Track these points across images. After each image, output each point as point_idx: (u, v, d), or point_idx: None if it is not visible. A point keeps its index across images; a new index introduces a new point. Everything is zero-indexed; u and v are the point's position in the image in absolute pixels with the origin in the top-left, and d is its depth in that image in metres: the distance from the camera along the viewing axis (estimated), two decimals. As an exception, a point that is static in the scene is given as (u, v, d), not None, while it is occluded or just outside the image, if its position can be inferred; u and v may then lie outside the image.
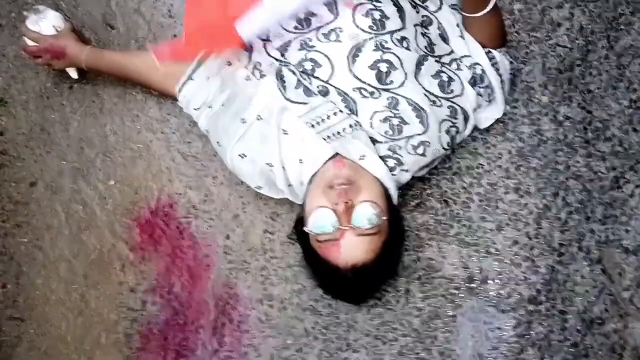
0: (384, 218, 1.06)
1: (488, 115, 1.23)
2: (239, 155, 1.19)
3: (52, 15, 1.39)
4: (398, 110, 1.10)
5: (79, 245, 1.42)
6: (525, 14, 1.27)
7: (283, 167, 1.17)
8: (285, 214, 1.33)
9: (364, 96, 1.10)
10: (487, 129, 1.25)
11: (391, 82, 1.09)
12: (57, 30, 1.38)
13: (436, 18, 1.18)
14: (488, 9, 1.09)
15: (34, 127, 1.48)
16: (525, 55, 1.26)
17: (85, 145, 1.45)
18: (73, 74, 1.42)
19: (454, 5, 1.17)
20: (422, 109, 1.10)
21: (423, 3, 1.18)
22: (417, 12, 1.17)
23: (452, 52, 1.18)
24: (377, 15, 1.10)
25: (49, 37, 1.36)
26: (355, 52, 1.09)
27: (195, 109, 1.26)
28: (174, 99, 1.27)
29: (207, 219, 1.37)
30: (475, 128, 1.23)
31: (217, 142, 1.24)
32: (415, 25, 1.15)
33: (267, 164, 1.18)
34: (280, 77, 1.12)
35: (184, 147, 1.40)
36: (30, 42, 1.37)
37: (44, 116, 1.48)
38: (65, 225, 1.43)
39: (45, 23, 1.38)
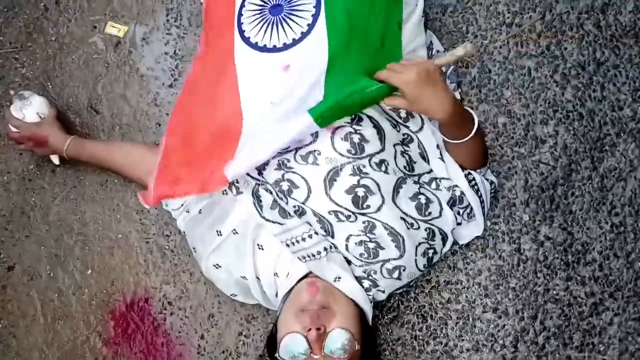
0: (357, 347, 1.04)
1: (468, 233, 1.21)
2: (214, 265, 1.19)
3: (37, 102, 1.39)
4: (374, 234, 1.09)
5: (53, 334, 1.40)
6: (510, 128, 1.26)
7: (258, 278, 1.16)
8: (261, 317, 1.32)
9: (340, 220, 1.09)
10: (467, 244, 1.23)
11: (368, 206, 1.08)
12: (40, 117, 1.37)
13: (417, 137, 1.17)
14: (468, 138, 1.07)
15: (14, 209, 1.47)
16: (507, 170, 1.25)
17: (64, 231, 1.44)
18: (55, 160, 1.41)
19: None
20: (399, 233, 1.09)
21: (405, 122, 1.17)
22: (398, 131, 1.16)
23: (431, 171, 1.17)
24: (356, 139, 1.09)
25: (32, 125, 1.35)
26: (332, 176, 1.07)
27: (173, 209, 1.25)
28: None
29: (182, 317, 1.35)
30: (455, 242, 1.21)
31: (193, 248, 1.23)
32: (395, 145, 1.14)
33: (242, 276, 1.16)
34: (256, 196, 1.11)
35: (162, 240, 1.39)
36: (13, 129, 1.36)
37: (25, 199, 1.47)
38: (40, 313, 1.42)
39: (29, 110, 1.37)
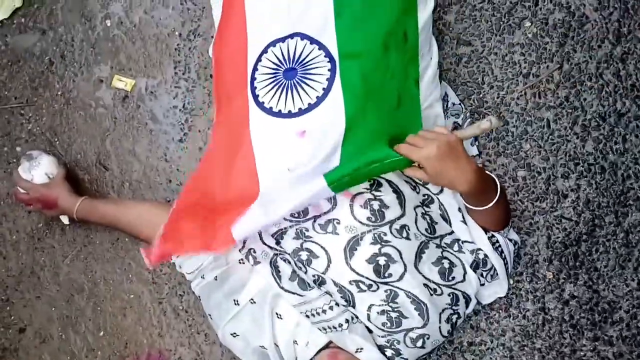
0: None
1: (491, 293, 1.18)
2: (231, 334, 1.16)
3: (46, 162, 1.36)
4: (397, 303, 1.06)
5: (65, 399, 1.38)
6: (530, 182, 1.23)
7: (276, 345, 1.13)
8: (280, 380, 1.28)
9: (362, 289, 1.06)
10: (490, 303, 1.20)
11: (390, 275, 1.05)
12: (49, 178, 1.35)
13: (438, 199, 1.14)
14: (490, 205, 1.05)
15: (24, 269, 1.45)
16: (529, 226, 1.22)
17: (75, 292, 1.41)
18: (65, 220, 1.39)
19: None
20: (422, 301, 1.06)
21: (425, 184, 1.14)
22: (418, 192, 1.13)
23: (453, 232, 1.14)
24: (375, 205, 1.06)
25: (41, 187, 1.33)
26: (352, 246, 1.05)
27: (187, 273, 1.22)
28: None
29: (199, 380, 1.32)
30: (478, 302, 1.18)
31: (209, 315, 1.20)
32: (415, 208, 1.11)
33: (261, 346, 1.13)
34: (274, 266, 1.08)
35: (175, 300, 1.36)
36: (22, 190, 1.34)
37: (34, 258, 1.45)
38: (52, 377, 1.39)
39: (38, 171, 1.35)
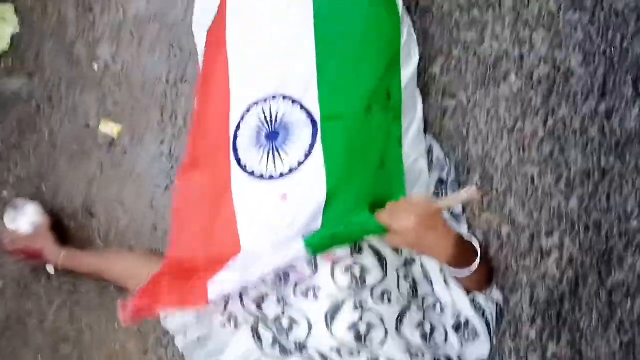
0: None
1: (473, 351, 1.18)
2: None
3: (31, 211, 1.37)
4: (378, 368, 1.06)
5: None
6: (514, 239, 1.23)
7: None
8: None
9: (343, 356, 1.05)
10: (475, 362, 1.20)
11: (371, 340, 1.05)
12: (35, 227, 1.35)
13: (419, 259, 1.14)
14: (471, 272, 1.05)
15: (10, 316, 1.45)
16: (512, 284, 1.22)
17: (60, 340, 1.41)
18: (50, 269, 1.39)
19: None
20: None
21: (406, 248, 1.14)
22: (400, 254, 1.13)
23: (434, 292, 1.14)
24: (357, 271, 1.06)
25: (26, 238, 1.33)
26: (333, 312, 1.05)
27: (170, 329, 1.22)
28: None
29: None
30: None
31: None
32: (397, 270, 1.11)
33: None
34: (255, 332, 1.09)
35: (161, 350, 1.36)
36: (6, 240, 1.34)
37: (20, 305, 1.45)
38: None
39: (23, 221, 1.35)
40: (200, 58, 1.33)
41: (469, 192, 1.02)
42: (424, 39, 1.33)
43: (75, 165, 1.47)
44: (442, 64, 1.32)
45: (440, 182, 1.26)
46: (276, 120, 1.11)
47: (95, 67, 1.50)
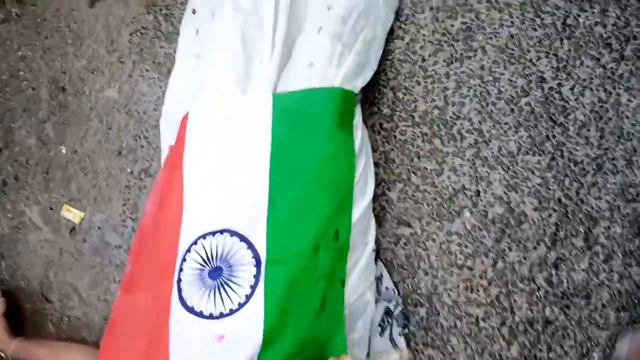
0: None
1: None
2: None
3: (-13, 294, 1.38)
4: None
5: None
6: (453, 379, 1.24)
7: None
8: None
9: None
10: None
11: None
12: (-11, 312, 1.37)
13: None
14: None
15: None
16: None
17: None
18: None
19: None
20: None
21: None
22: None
23: None
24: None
25: (-22, 323, 1.35)
26: None
27: None
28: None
29: None
30: None
31: None
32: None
33: None
34: None
35: None
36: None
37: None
38: None
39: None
40: (163, 157, 1.34)
41: (401, 354, 1.03)
42: (385, 161, 1.34)
43: (36, 248, 1.49)
44: (400, 190, 1.32)
45: (387, 313, 1.27)
46: (221, 257, 1.12)
47: (63, 150, 1.51)
